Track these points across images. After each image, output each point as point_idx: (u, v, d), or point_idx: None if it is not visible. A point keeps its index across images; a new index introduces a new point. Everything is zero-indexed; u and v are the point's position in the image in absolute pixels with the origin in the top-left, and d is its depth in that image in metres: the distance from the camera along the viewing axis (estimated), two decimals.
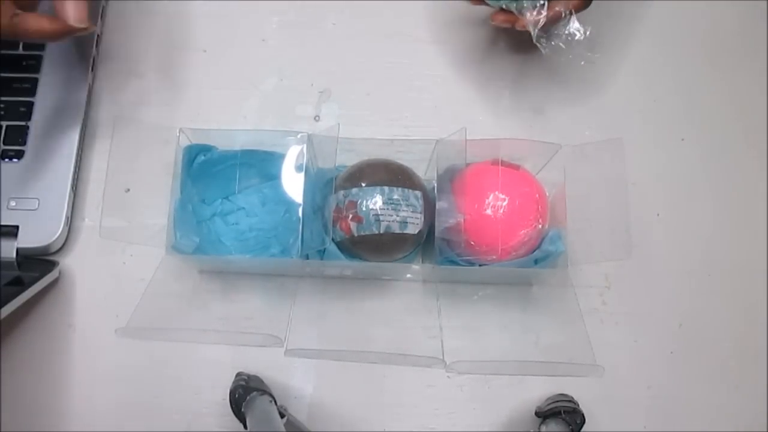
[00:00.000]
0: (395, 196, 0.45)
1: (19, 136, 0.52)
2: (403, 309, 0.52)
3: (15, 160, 0.52)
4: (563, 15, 0.46)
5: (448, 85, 0.57)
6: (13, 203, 0.51)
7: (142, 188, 0.52)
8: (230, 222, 0.48)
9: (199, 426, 0.49)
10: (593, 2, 0.60)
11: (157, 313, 0.48)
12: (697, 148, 0.56)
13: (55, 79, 0.54)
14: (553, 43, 0.47)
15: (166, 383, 0.50)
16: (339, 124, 0.47)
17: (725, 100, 0.58)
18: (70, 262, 0.52)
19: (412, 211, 0.45)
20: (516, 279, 0.52)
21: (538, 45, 0.48)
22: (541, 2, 0.46)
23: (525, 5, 0.46)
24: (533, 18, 0.46)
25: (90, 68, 0.55)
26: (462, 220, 0.46)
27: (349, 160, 0.49)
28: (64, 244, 0.52)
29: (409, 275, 0.52)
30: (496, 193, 0.46)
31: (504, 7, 0.48)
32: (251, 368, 0.50)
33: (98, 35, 0.56)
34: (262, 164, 0.49)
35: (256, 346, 0.50)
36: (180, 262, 0.51)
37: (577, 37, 0.48)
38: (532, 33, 0.47)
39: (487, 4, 0.49)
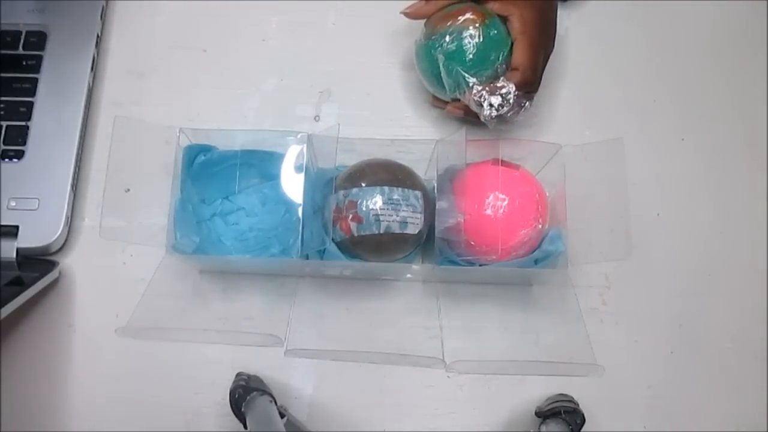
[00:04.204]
0: (395, 196, 0.45)
1: (19, 136, 0.52)
2: (403, 309, 0.52)
3: (15, 160, 0.52)
4: (504, 88, 0.48)
5: None
6: (13, 203, 0.51)
7: (142, 188, 0.52)
8: (230, 222, 0.48)
9: (199, 426, 0.49)
10: (597, 1, 0.60)
11: (157, 313, 0.48)
12: (697, 148, 0.56)
13: (55, 79, 0.54)
14: (497, 118, 0.49)
15: (165, 383, 0.50)
16: (339, 124, 0.47)
17: (725, 100, 0.58)
18: (70, 262, 0.52)
19: (412, 211, 0.45)
20: (516, 279, 0.52)
21: (485, 122, 0.50)
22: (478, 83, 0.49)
23: (466, 86, 0.49)
24: (474, 97, 0.48)
25: (90, 68, 0.55)
26: (462, 220, 0.46)
27: (349, 160, 0.49)
28: (64, 244, 0.52)
29: (409, 275, 0.52)
30: (496, 193, 0.46)
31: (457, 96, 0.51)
32: (251, 368, 0.50)
33: (98, 35, 0.56)
34: (262, 164, 0.49)
35: (256, 346, 0.50)
36: (180, 262, 0.51)
37: (521, 110, 0.50)
38: (477, 111, 0.49)
39: (444, 102, 0.54)
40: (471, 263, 0.47)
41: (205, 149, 0.49)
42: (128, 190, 0.52)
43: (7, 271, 0.49)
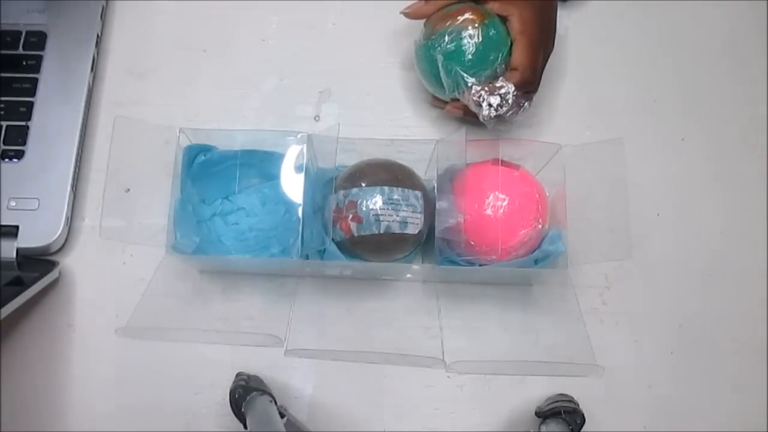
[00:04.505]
0: (395, 196, 0.45)
1: (19, 136, 0.52)
2: (403, 309, 0.52)
3: (15, 160, 0.52)
4: (503, 88, 0.48)
5: None
6: (13, 203, 0.51)
7: (142, 188, 0.52)
8: (230, 222, 0.48)
9: (199, 426, 0.49)
10: (597, 1, 0.60)
11: (157, 313, 0.48)
12: (697, 148, 0.56)
13: (55, 79, 0.54)
14: (496, 118, 0.49)
15: (166, 383, 0.50)
16: (339, 124, 0.47)
17: (725, 100, 0.58)
18: (70, 262, 0.52)
19: (412, 211, 0.45)
20: (516, 279, 0.52)
21: (484, 122, 0.50)
22: (477, 84, 0.49)
23: (465, 86, 0.49)
24: (473, 97, 0.48)
25: (90, 68, 0.55)
26: (462, 220, 0.46)
27: (349, 160, 0.49)
28: (64, 244, 0.52)
29: (409, 275, 0.52)
30: (496, 193, 0.46)
31: (456, 96, 0.51)
32: (251, 368, 0.50)
33: (98, 35, 0.56)
34: (262, 164, 0.49)
35: (256, 346, 0.50)
36: (180, 262, 0.51)
37: (520, 110, 0.50)
38: (476, 111, 0.49)
39: (444, 102, 0.54)
40: (471, 263, 0.47)
41: (205, 149, 0.49)
42: (128, 190, 0.52)
43: (7, 271, 0.49)
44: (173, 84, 0.57)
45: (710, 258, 0.54)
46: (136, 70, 0.57)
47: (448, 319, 0.50)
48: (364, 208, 0.45)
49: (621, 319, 0.52)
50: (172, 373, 0.50)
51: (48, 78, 0.54)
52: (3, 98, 0.53)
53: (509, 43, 0.49)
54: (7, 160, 0.52)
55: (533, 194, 0.47)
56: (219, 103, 0.56)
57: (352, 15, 0.59)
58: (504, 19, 0.49)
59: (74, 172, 0.52)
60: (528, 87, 0.49)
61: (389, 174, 0.47)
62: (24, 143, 0.52)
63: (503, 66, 0.49)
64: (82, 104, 0.54)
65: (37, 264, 0.50)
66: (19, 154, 0.52)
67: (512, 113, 0.49)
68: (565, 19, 0.59)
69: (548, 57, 0.51)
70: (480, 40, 0.48)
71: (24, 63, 0.54)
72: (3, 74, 0.54)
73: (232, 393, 0.47)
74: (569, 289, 0.50)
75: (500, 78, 0.49)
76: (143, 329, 0.47)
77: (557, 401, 0.48)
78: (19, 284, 0.47)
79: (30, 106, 0.53)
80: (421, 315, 0.51)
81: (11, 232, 0.50)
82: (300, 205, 0.46)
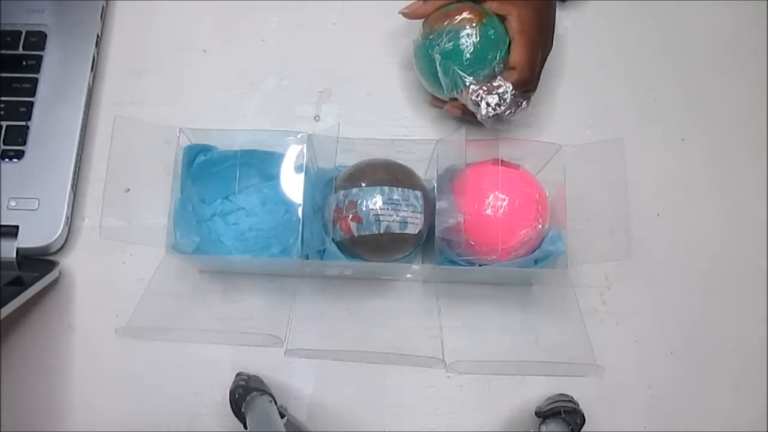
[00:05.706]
0: (395, 196, 0.45)
1: (19, 136, 0.52)
2: (403, 309, 0.52)
3: (15, 160, 0.52)
4: (501, 87, 0.48)
5: None
6: (13, 203, 0.51)
7: (142, 188, 0.52)
8: (230, 222, 0.48)
9: (199, 426, 0.49)
10: (597, 1, 0.60)
11: (157, 313, 0.48)
12: (697, 148, 0.56)
13: (55, 79, 0.54)
14: (494, 117, 0.49)
15: (166, 383, 0.50)
16: (339, 124, 0.47)
17: (725, 100, 0.58)
18: (70, 262, 0.52)
19: (412, 211, 0.45)
20: (516, 279, 0.52)
21: (482, 121, 0.50)
22: (476, 82, 0.49)
23: (464, 85, 0.49)
24: (471, 96, 0.49)
25: (90, 68, 0.55)
26: (462, 220, 0.46)
27: (349, 160, 0.49)
28: (64, 244, 0.52)
29: (409, 275, 0.52)
30: (496, 193, 0.46)
31: (454, 96, 0.51)
32: (251, 368, 0.50)
33: (98, 35, 0.56)
34: (262, 164, 0.49)
35: (256, 346, 0.50)
36: (180, 262, 0.51)
37: (518, 109, 0.50)
38: (474, 111, 0.50)
39: (443, 102, 0.54)
40: (471, 263, 0.47)
41: (205, 149, 0.49)
42: (128, 190, 0.52)
43: (7, 271, 0.49)
44: (173, 84, 0.57)
45: (710, 258, 0.54)
46: (136, 70, 0.57)
47: (448, 319, 0.50)
48: (364, 208, 0.45)
49: (621, 319, 0.52)
50: (172, 373, 0.50)
51: (48, 78, 0.54)
52: (3, 98, 0.53)
53: (507, 43, 0.49)
54: (7, 160, 0.52)
55: (533, 194, 0.47)
56: (219, 103, 0.56)
57: (352, 15, 0.59)
58: (502, 19, 0.49)
59: (74, 172, 0.52)
60: (526, 86, 0.49)
61: (389, 174, 0.47)
62: (24, 143, 0.52)
63: (501, 65, 0.49)
64: (82, 104, 0.54)
65: (37, 264, 0.50)
66: (19, 154, 0.52)
67: (510, 112, 0.49)
68: (565, 19, 0.59)
69: (547, 57, 0.51)
70: (478, 39, 0.48)
71: (24, 63, 0.54)
72: (3, 74, 0.54)
73: (232, 393, 0.47)
74: (569, 289, 0.50)
75: (498, 77, 0.49)
76: (143, 329, 0.47)
77: (557, 401, 0.48)
78: (19, 284, 0.47)
79: (30, 106, 0.53)
80: (421, 315, 0.51)
81: (11, 232, 0.50)
82: (300, 205, 0.46)
